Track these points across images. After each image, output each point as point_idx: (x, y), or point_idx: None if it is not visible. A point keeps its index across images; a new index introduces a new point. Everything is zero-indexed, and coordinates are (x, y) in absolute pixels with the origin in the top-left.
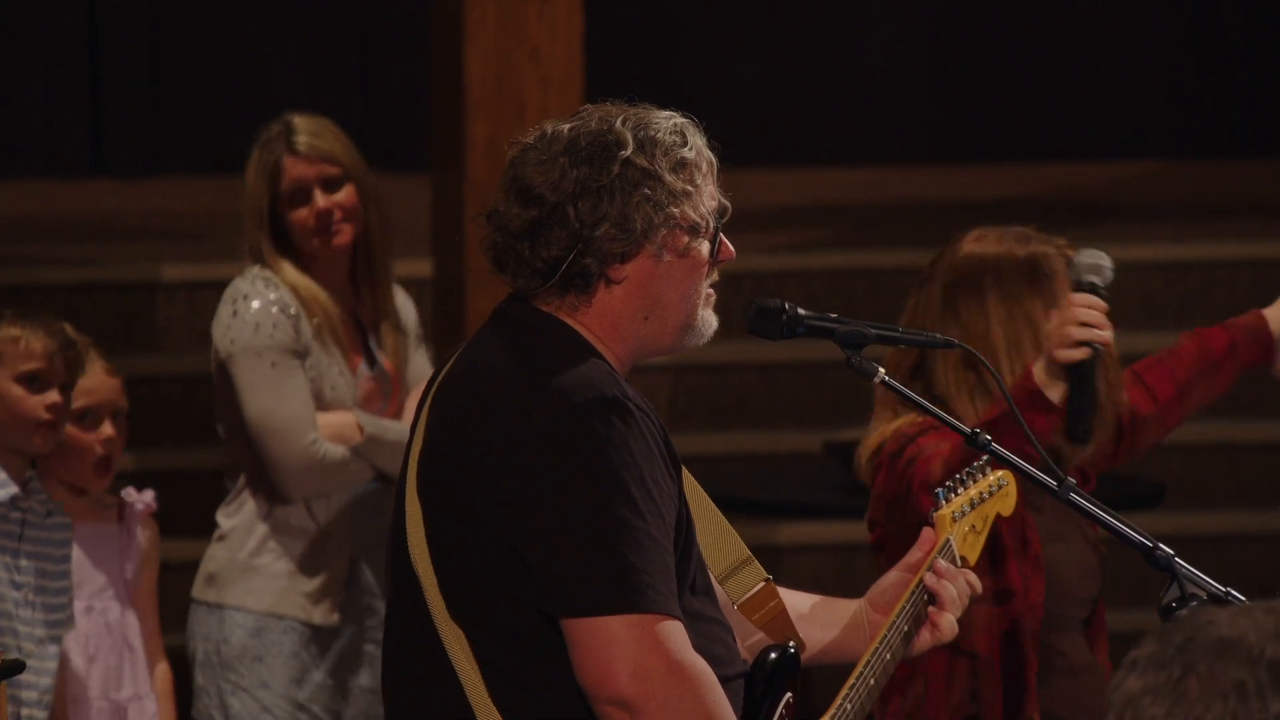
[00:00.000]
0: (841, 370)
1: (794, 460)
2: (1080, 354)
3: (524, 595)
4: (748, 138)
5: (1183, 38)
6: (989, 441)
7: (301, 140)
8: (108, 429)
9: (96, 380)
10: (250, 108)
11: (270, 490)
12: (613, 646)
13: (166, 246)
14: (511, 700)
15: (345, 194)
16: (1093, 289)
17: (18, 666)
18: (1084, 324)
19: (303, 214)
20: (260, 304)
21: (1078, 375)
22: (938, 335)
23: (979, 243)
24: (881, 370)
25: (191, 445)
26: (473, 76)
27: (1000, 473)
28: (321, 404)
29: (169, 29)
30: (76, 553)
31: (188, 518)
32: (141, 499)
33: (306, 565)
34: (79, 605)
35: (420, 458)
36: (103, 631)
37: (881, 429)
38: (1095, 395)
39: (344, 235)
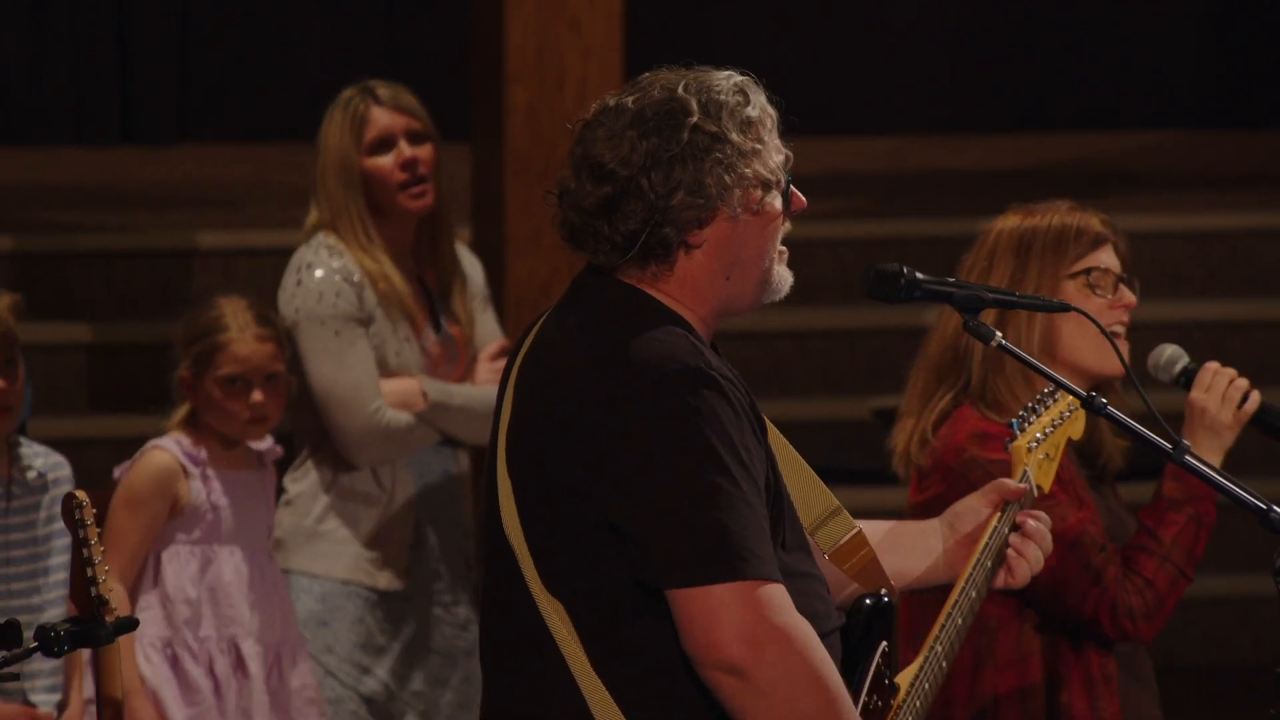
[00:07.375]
0: (876, 337)
1: (829, 427)
2: (1256, 401)
3: (619, 566)
4: (783, 107)
5: (1210, 6)
6: (1104, 405)
7: (385, 93)
8: (256, 395)
9: (247, 349)
10: (278, 75)
11: (335, 457)
12: (719, 614)
13: (198, 214)
14: (614, 670)
15: (427, 151)
16: (1186, 372)
17: (131, 623)
18: (1233, 380)
19: (386, 162)
20: (324, 272)
21: (1266, 417)
22: (1053, 300)
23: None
24: (999, 334)
25: None
26: (513, 46)
27: (1069, 398)
28: (386, 370)
29: None
30: (237, 502)
31: None
32: (266, 445)
33: (372, 531)
34: (241, 554)
35: (508, 432)
36: (259, 578)
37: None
38: None
39: (428, 198)
